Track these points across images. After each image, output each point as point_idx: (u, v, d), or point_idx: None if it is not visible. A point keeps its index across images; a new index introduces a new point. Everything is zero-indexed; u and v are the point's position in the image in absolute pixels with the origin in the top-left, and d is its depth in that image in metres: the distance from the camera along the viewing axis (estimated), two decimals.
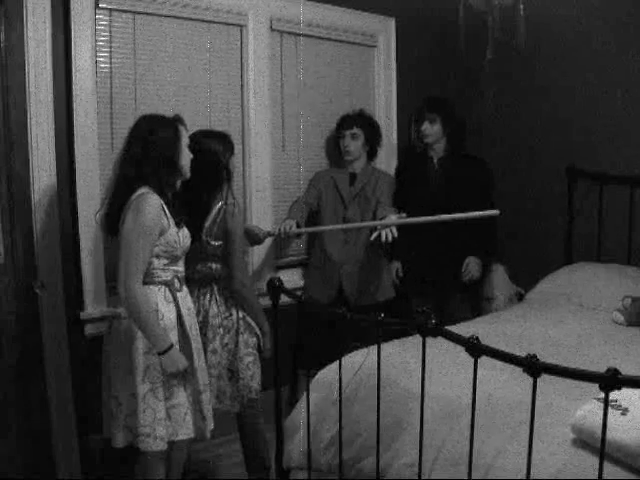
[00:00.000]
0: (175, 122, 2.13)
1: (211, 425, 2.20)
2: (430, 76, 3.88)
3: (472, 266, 3.30)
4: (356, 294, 3.29)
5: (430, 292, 3.37)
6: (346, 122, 3.31)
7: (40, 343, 2.54)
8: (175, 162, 2.10)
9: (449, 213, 2.87)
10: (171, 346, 2.01)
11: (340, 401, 1.94)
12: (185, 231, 2.18)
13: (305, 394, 2.18)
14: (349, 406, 2.07)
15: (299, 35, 3.38)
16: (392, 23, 3.72)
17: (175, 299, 2.12)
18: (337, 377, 1.94)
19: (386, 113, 3.75)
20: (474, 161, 3.39)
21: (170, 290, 2.11)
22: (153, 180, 2.04)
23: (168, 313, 2.08)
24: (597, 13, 3.43)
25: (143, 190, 2.03)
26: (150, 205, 2.00)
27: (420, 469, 1.73)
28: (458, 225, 3.02)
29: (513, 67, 3.74)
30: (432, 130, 3.31)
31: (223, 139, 2.48)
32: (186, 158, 2.15)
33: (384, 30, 3.70)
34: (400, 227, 3.00)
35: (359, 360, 2.17)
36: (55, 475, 2.58)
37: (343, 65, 3.59)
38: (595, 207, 3.46)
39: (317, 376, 2.31)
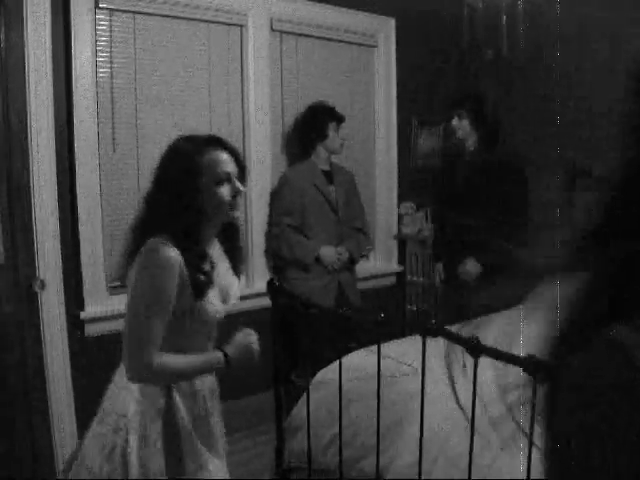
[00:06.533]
0: (201, 146, 1.57)
1: None
2: (430, 76, 3.88)
3: (470, 266, 3.27)
4: (358, 300, 3.27)
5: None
6: (336, 115, 3.25)
7: (40, 343, 2.55)
8: (190, 203, 1.53)
9: (474, 212, 3.09)
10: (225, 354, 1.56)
11: (340, 401, 1.94)
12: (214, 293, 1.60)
13: (305, 394, 2.18)
14: (349, 406, 2.07)
15: (299, 35, 3.38)
16: (392, 23, 3.72)
17: None
18: (337, 377, 1.94)
19: (386, 113, 3.74)
20: (508, 169, 3.20)
21: None
22: (167, 226, 1.52)
23: None
24: (596, 14, 3.43)
25: (156, 239, 1.50)
26: (160, 260, 1.48)
27: (420, 469, 1.73)
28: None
29: (513, 67, 3.74)
30: (460, 125, 3.27)
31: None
32: (218, 196, 1.55)
33: (384, 30, 3.70)
34: (442, 228, 3.35)
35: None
36: (55, 475, 2.58)
37: (343, 65, 3.59)
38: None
39: (317, 376, 2.31)
